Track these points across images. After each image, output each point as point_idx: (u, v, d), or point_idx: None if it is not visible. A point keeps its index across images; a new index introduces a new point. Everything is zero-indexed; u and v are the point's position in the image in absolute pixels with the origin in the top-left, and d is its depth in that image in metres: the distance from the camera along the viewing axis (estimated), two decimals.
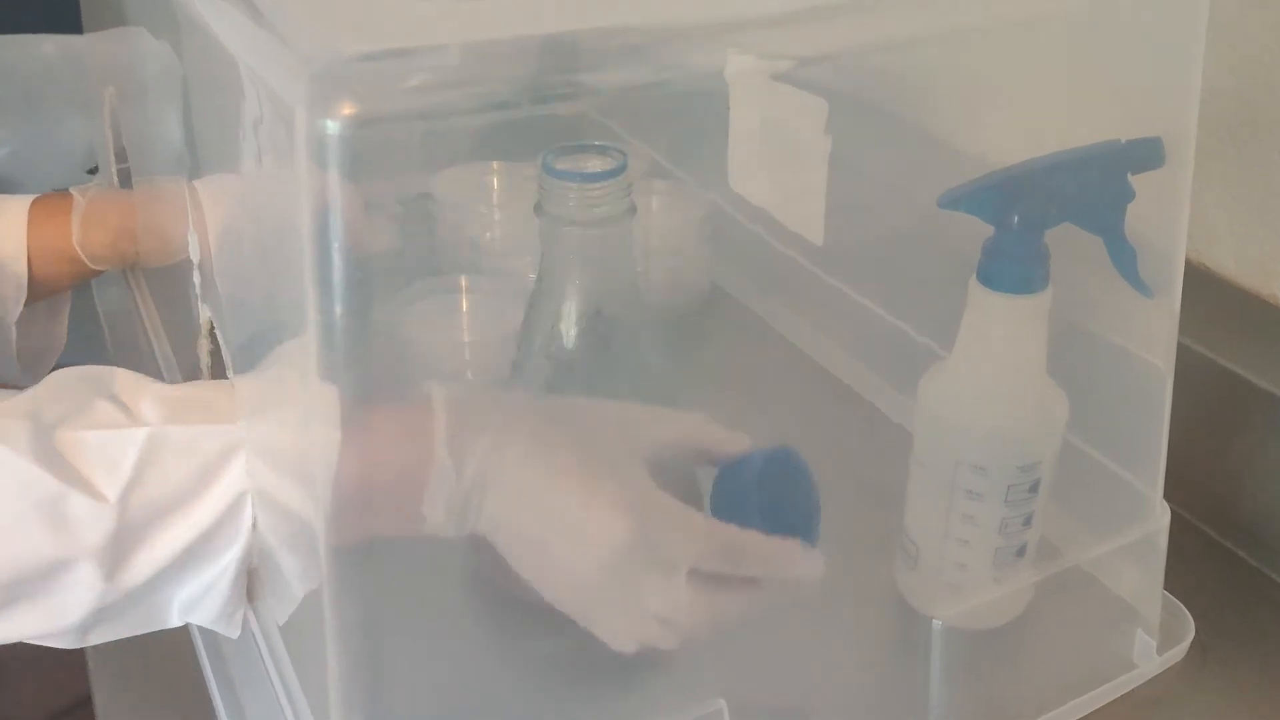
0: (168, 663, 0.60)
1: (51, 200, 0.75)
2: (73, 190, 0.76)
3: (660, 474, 0.50)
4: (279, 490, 0.46)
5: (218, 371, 0.61)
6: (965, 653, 0.54)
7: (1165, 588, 0.59)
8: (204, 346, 0.64)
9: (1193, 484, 0.65)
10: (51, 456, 0.45)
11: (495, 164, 0.89)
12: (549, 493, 0.48)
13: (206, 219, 0.56)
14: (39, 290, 0.74)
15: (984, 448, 0.55)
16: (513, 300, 0.70)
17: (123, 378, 0.50)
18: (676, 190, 0.88)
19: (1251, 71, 0.68)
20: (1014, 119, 0.59)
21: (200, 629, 0.58)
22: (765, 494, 0.51)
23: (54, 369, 0.52)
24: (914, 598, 0.60)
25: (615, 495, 0.49)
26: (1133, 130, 0.51)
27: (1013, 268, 0.52)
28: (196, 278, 0.61)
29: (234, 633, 0.50)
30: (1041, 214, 0.51)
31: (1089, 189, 0.51)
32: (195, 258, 0.60)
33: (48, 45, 0.97)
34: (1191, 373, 0.58)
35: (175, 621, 0.49)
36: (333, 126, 0.36)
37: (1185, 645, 0.59)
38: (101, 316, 0.87)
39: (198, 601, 0.49)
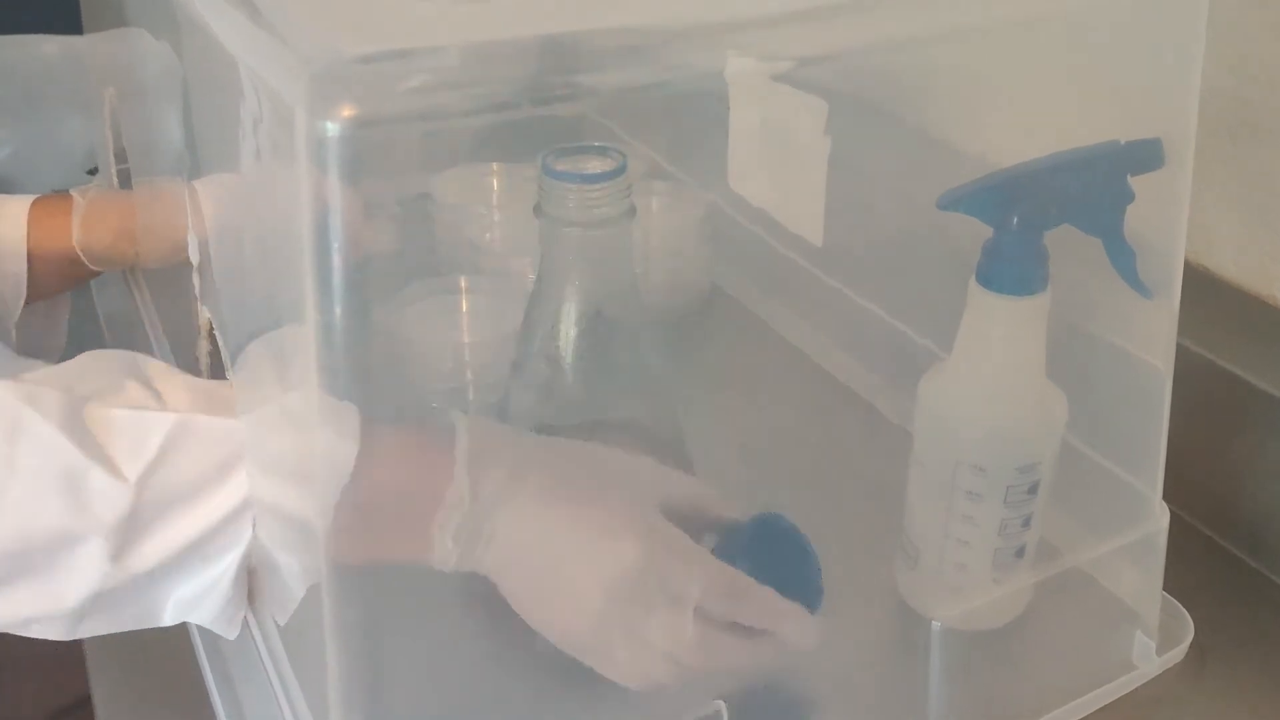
0: (167, 662, 0.60)
1: (51, 201, 0.75)
2: (73, 191, 0.76)
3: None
4: (277, 491, 0.46)
5: (217, 372, 0.61)
6: (965, 653, 0.54)
7: (1164, 589, 0.59)
8: (204, 347, 0.64)
9: (1192, 485, 0.65)
10: (79, 429, 0.45)
11: (495, 165, 0.90)
12: (561, 520, 0.49)
13: (206, 220, 0.56)
14: (39, 291, 0.74)
15: (983, 449, 0.55)
16: (513, 301, 0.70)
17: (154, 365, 0.50)
18: (676, 191, 0.88)
19: (1251, 71, 0.68)
20: (1014, 119, 0.59)
21: (200, 628, 0.58)
22: (754, 562, 0.51)
23: None
24: (913, 598, 0.60)
25: (627, 524, 0.49)
26: (1132, 131, 0.51)
27: (1012, 269, 0.52)
28: (196, 278, 0.61)
29: (232, 634, 0.50)
30: (1041, 215, 0.51)
31: (1088, 190, 0.51)
32: (195, 259, 0.60)
33: (48, 45, 0.97)
34: (1191, 373, 0.58)
35: (168, 620, 0.49)
36: (332, 127, 0.36)
37: (1184, 646, 0.59)
38: (101, 317, 0.87)
39: (198, 600, 0.48)
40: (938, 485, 0.56)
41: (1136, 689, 0.58)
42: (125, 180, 0.80)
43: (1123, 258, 0.52)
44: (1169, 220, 0.54)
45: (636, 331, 0.58)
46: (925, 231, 0.61)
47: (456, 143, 0.88)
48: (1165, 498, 0.58)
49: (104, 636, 0.61)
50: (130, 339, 0.81)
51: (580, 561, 0.49)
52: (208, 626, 0.50)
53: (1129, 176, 0.51)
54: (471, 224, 0.84)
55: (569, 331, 0.56)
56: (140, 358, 0.51)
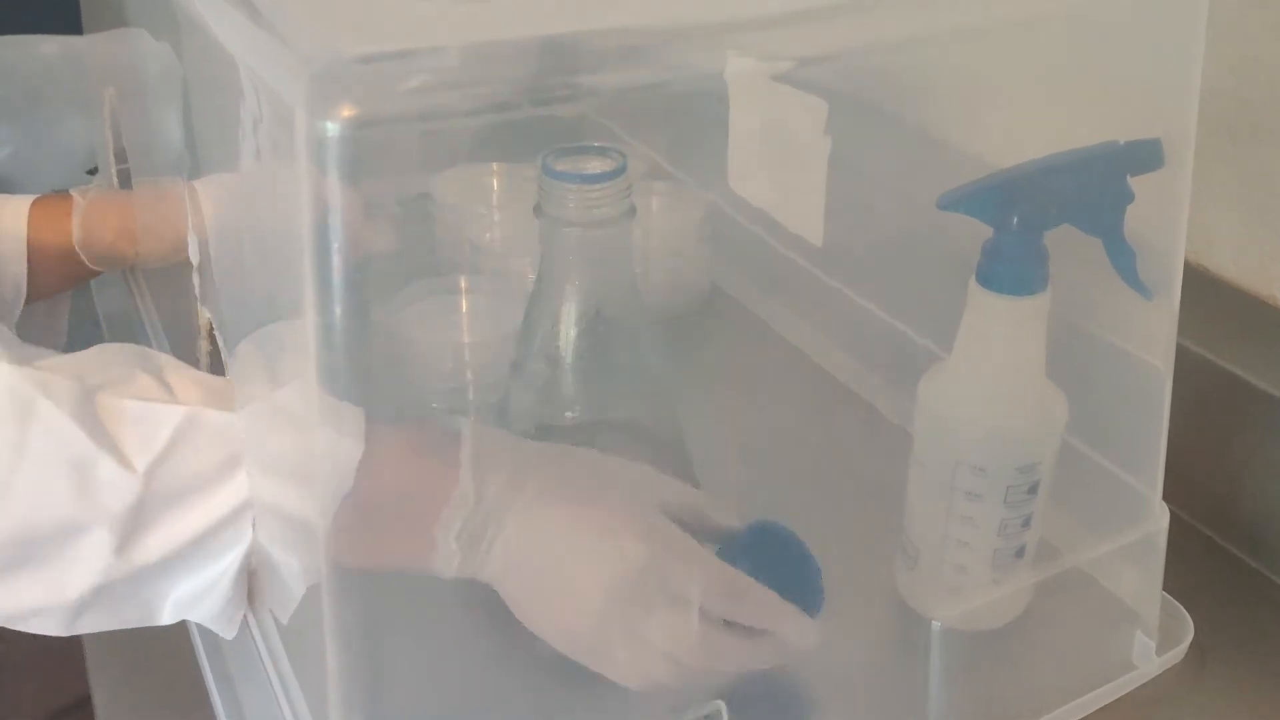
0: (167, 662, 0.60)
1: (51, 201, 0.75)
2: (73, 191, 0.76)
3: None
4: (277, 491, 0.46)
5: (217, 372, 0.61)
6: (964, 654, 0.54)
7: (1164, 589, 0.59)
8: (204, 347, 0.64)
9: (1192, 485, 0.65)
10: (90, 418, 0.45)
11: (495, 165, 0.90)
12: (562, 522, 0.49)
13: (206, 220, 0.56)
14: (38, 291, 0.74)
15: (983, 449, 0.55)
16: (513, 301, 0.70)
17: (165, 359, 0.51)
18: (676, 191, 0.88)
19: (1251, 71, 0.68)
20: (1014, 119, 0.59)
21: (200, 628, 0.58)
22: (754, 567, 0.52)
23: None
24: (913, 599, 0.60)
25: (628, 523, 0.49)
26: (1132, 131, 0.51)
27: (1012, 269, 0.52)
28: (196, 278, 0.61)
29: (230, 633, 0.50)
30: (1041, 215, 0.51)
31: (1088, 190, 0.51)
32: (195, 259, 0.60)
33: (48, 45, 0.97)
34: (1191, 374, 0.58)
35: (167, 618, 0.49)
36: (332, 128, 0.36)
37: (1184, 646, 0.59)
38: (101, 317, 0.87)
39: (199, 598, 0.48)
40: (937, 485, 0.56)
41: (1136, 689, 0.58)
42: (125, 180, 0.80)
43: (1123, 258, 0.52)
44: (1169, 220, 0.54)
45: (636, 331, 0.58)
46: (925, 231, 0.61)
47: (456, 143, 0.88)
48: (1165, 498, 0.58)
49: (104, 636, 0.61)
50: (130, 339, 0.80)
51: (581, 562, 0.49)
52: (207, 625, 0.50)
53: (1129, 176, 0.51)
54: (471, 224, 0.84)
55: (569, 331, 0.56)
56: (151, 352, 0.51)
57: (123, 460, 0.45)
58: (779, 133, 0.46)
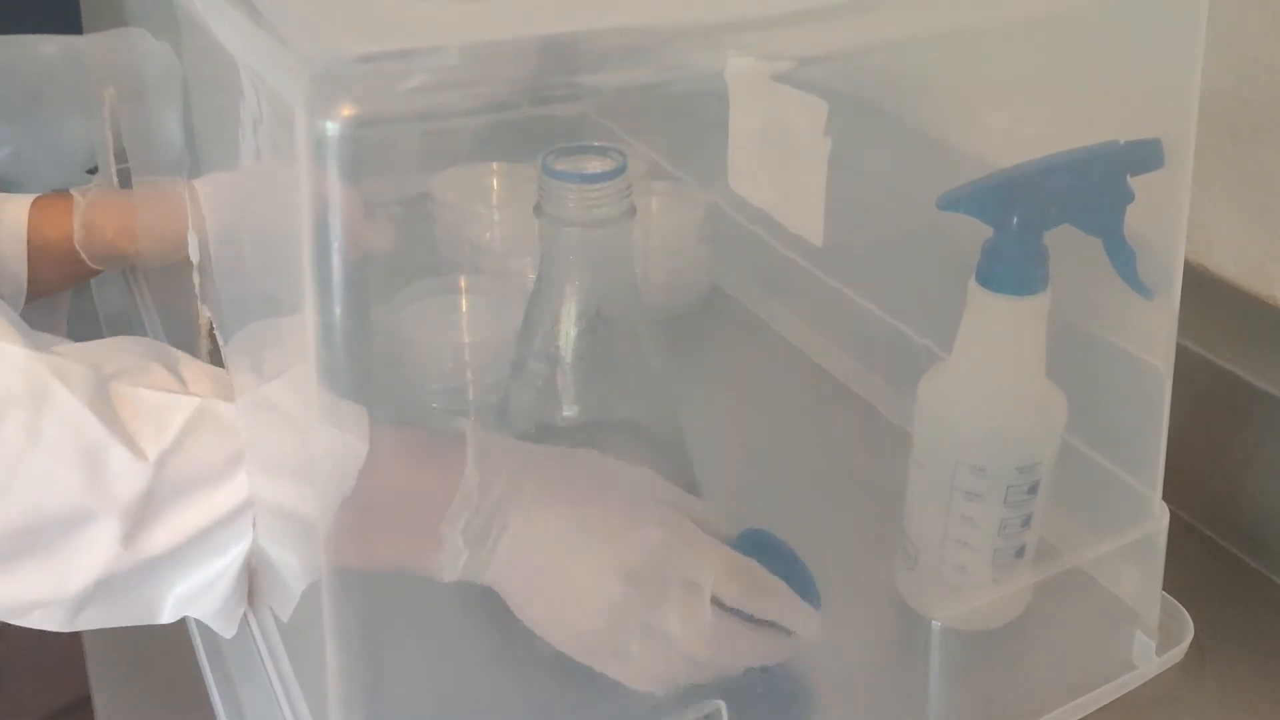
0: (167, 662, 0.60)
1: (51, 200, 0.75)
2: (73, 190, 0.76)
3: None
4: (276, 489, 0.46)
5: None
6: (964, 653, 0.54)
7: (1164, 588, 0.59)
8: (204, 347, 0.64)
9: (1192, 485, 0.65)
10: (104, 406, 0.46)
11: (495, 164, 0.90)
12: (568, 518, 0.49)
13: (206, 219, 0.56)
14: (39, 289, 0.74)
15: (983, 449, 0.55)
16: (512, 300, 0.70)
17: (179, 353, 0.51)
18: (676, 191, 0.88)
19: (1251, 71, 0.68)
20: (1014, 119, 0.59)
21: (200, 628, 0.58)
22: None
23: None
24: (913, 599, 0.60)
25: (634, 511, 0.49)
26: (1132, 131, 0.51)
27: (1012, 269, 0.52)
28: (196, 278, 0.61)
29: (229, 631, 0.50)
30: (1041, 215, 0.51)
31: (1088, 190, 0.51)
32: (195, 258, 0.60)
33: (48, 45, 0.97)
34: (1191, 374, 0.58)
35: (167, 616, 0.49)
36: (332, 127, 0.36)
37: (1184, 646, 0.59)
38: (101, 316, 0.87)
39: (200, 594, 0.48)
40: (937, 485, 0.56)
41: (1136, 689, 0.58)
42: (125, 180, 0.80)
43: (1123, 258, 0.52)
44: (1169, 220, 0.54)
45: (636, 331, 0.58)
46: (925, 231, 0.61)
47: (456, 143, 0.88)
48: (1165, 498, 0.58)
49: (105, 636, 0.61)
50: None
51: (589, 552, 0.49)
52: (207, 622, 0.50)
53: (1129, 176, 0.51)
54: (471, 224, 0.84)
55: (569, 331, 0.56)
56: (165, 346, 0.51)
57: (135, 449, 0.45)
58: (779, 133, 0.46)
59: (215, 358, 0.63)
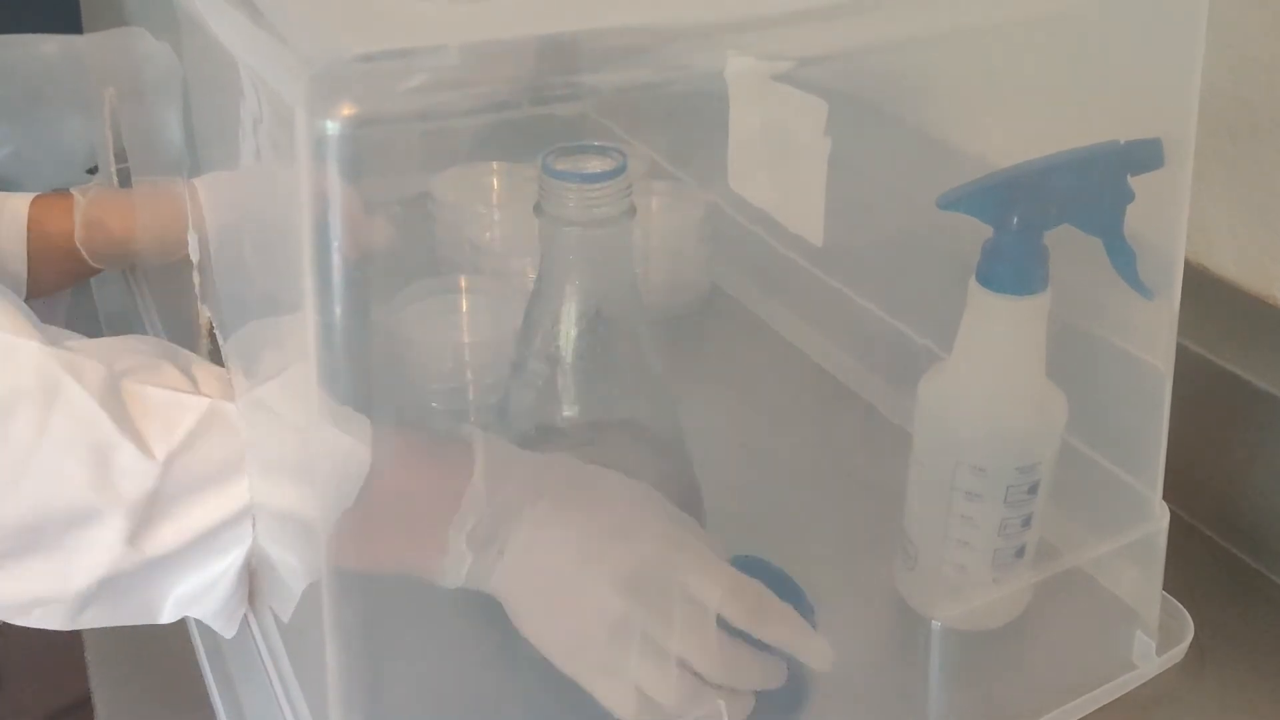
0: (167, 662, 0.60)
1: (51, 199, 0.75)
2: (74, 190, 0.76)
3: None
4: (276, 491, 0.46)
5: None
6: (964, 653, 0.54)
7: (1164, 588, 0.59)
8: (204, 346, 0.64)
9: (1192, 485, 0.65)
10: (115, 403, 0.46)
11: (495, 164, 0.90)
12: (573, 530, 0.49)
13: (206, 219, 0.56)
14: (38, 288, 0.74)
15: (983, 449, 0.55)
16: (512, 300, 0.70)
17: (188, 353, 0.51)
18: (676, 191, 0.88)
19: (1251, 71, 0.68)
20: (1014, 119, 0.59)
21: (200, 628, 0.58)
22: None
23: None
24: (913, 598, 0.60)
25: (640, 525, 0.49)
26: (1132, 131, 0.51)
27: (1012, 269, 0.52)
28: (196, 278, 0.61)
29: (230, 632, 0.50)
30: (1041, 215, 0.51)
31: (1088, 190, 0.51)
32: (195, 258, 0.60)
33: (48, 45, 0.97)
34: (1191, 374, 0.58)
35: (167, 616, 0.49)
36: (332, 127, 0.36)
37: (1184, 646, 0.59)
38: (101, 316, 0.87)
39: (201, 595, 0.48)
40: (937, 485, 0.56)
41: (1136, 689, 0.58)
42: (125, 179, 0.80)
43: (1123, 258, 0.52)
44: (1169, 220, 0.54)
45: (636, 331, 0.58)
46: (925, 231, 0.61)
47: (456, 143, 0.88)
48: (1165, 498, 0.58)
49: (105, 636, 0.61)
50: None
51: (592, 566, 0.48)
52: (207, 623, 0.50)
53: (1129, 176, 0.51)
54: (471, 224, 0.84)
55: (569, 331, 0.56)
56: (176, 346, 0.51)
57: (143, 447, 0.45)
58: (779, 133, 0.46)
59: (215, 357, 0.63)
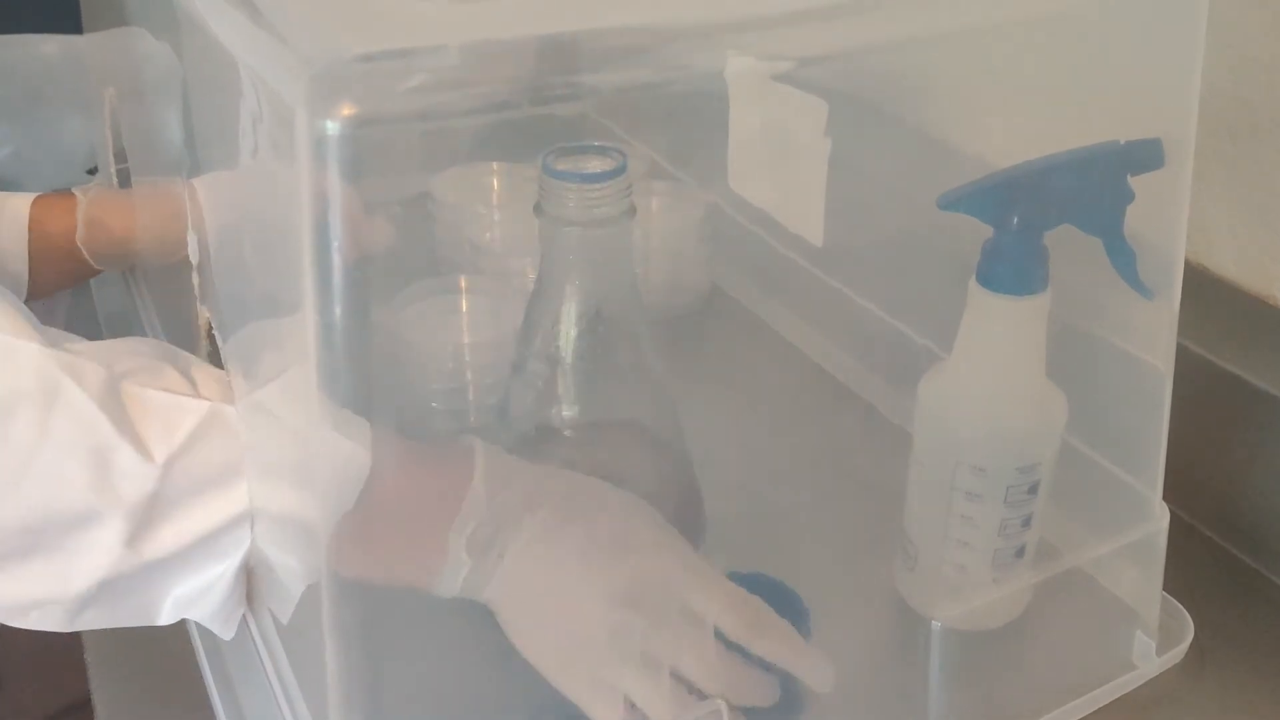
0: (167, 662, 0.60)
1: (52, 199, 0.75)
2: (75, 190, 0.76)
3: None
4: (276, 494, 0.46)
5: None
6: (964, 654, 0.54)
7: (1164, 589, 0.59)
8: (203, 347, 0.64)
9: (1192, 485, 0.65)
10: (115, 406, 0.45)
11: (495, 164, 0.90)
12: (575, 544, 0.49)
13: (206, 219, 0.56)
14: (39, 288, 0.74)
15: (983, 449, 0.55)
16: (512, 300, 0.70)
17: (189, 356, 0.51)
18: (676, 191, 0.88)
19: (1251, 71, 0.68)
20: (1014, 119, 0.59)
21: (200, 629, 0.58)
22: None
23: None
24: (913, 599, 0.60)
25: (638, 535, 0.49)
26: (1132, 131, 0.51)
27: (1012, 269, 0.52)
28: (196, 278, 0.61)
29: (228, 633, 0.50)
30: (1041, 215, 0.51)
31: (1088, 190, 0.51)
32: (194, 258, 0.60)
33: (48, 45, 0.97)
34: (1191, 374, 0.58)
35: (165, 618, 0.49)
36: (333, 127, 0.36)
37: (1184, 646, 0.59)
38: (101, 317, 0.87)
39: (199, 597, 0.48)
40: (937, 485, 0.56)
41: (1136, 689, 0.58)
42: (125, 180, 0.80)
43: (1123, 258, 0.52)
44: (1169, 220, 0.54)
45: (636, 332, 0.58)
46: (925, 231, 0.61)
47: (456, 143, 0.88)
48: (1165, 498, 0.58)
49: (105, 636, 0.61)
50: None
51: (589, 577, 0.48)
52: (205, 624, 0.50)
53: (1129, 176, 0.51)
54: (471, 224, 0.84)
55: (569, 331, 0.56)
56: (177, 349, 0.51)
57: (143, 450, 0.45)
58: (779, 133, 0.46)
59: (215, 358, 0.63)
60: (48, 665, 0.83)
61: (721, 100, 0.43)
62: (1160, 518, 0.57)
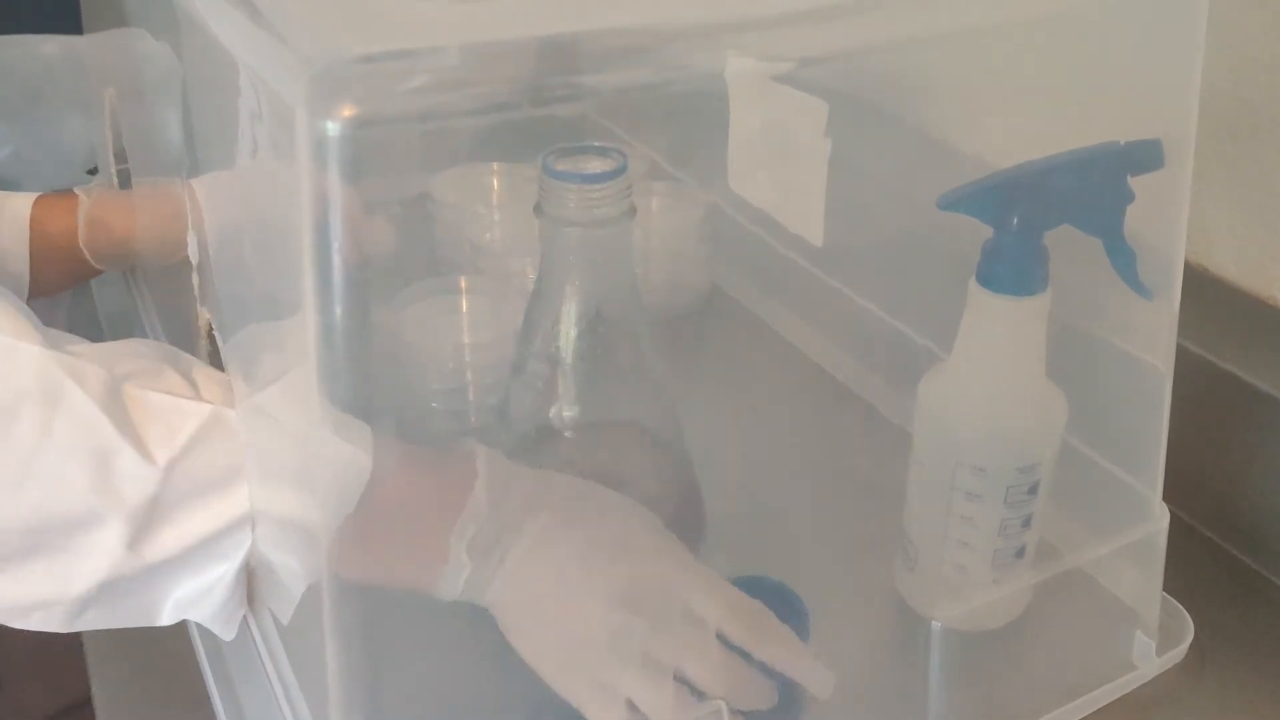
0: (168, 662, 0.60)
1: (53, 199, 0.75)
2: (77, 190, 0.76)
3: None
4: (276, 495, 0.46)
5: None
6: (964, 654, 0.54)
7: (1164, 589, 0.59)
8: (203, 348, 0.64)
9: (1192, 485, 0.65)
10: (117, 408, 0.45)
11: (495, 165, 0.90)
12: (576, 549, 0.49)
13: (206, 220, 0.56)
14: (39, 289, 0.74)
15: (983, 449, 0.55)
16: (512, 301, 0.70)
17: (192, 359, 0.51)
18: (676, 191, 0.88)
19: (1251, 71, 0.68)
20: (1014, 119, 0.59)
21: (200, 630, 0.58)
22: None
23: None
24: (913, 599, 0.60)
25: (637, 539, 0.49)
26: (1132, 131, 0.51)
27: (1012, 269, 0.52)
28: (196, 279, 0.61)
29: (229, 634, 0.50)
30: (1041, 216, 0.51)
31: (1088, 191, 0.51)
32: (195, 259, 0.60)
33: (48, 45, 0.97)
34: (1191, 374, 0.58)
35: (165, 619, 0.49)
36: (333, 127, 0.36)
37: (1184, 646, 0.59)
38: (101, 317, 0.87)
39: (199, 598, 0.48)
40: (937, 485, 0.56)
41: (1136, 689, 0.58)
42: (125, 180, 0.80)
43: (1123, 258, 0.52)
44: (1169, 220, 0.54)
45: (637, 332, 0.58)
46: (925, 231, 0.61)
47: (456, 143, 0.88)
48: (1165, 498, 0.58)
49: (105, 636, 0.61)
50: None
51: (590, 582, 0.48)
52: (206, 625, 0.50)
53: (1129, 177, 0.51)
54: (471, 224, 0.84)
55: (569, 331, 0.56)
56: (179, 351, 0.51)
57: (145, 453, 0.45)
58: (779, 133, 0.46)
59: (215, 359, 0.63)
60: (48, 665, 0.83)
61: (721, 100, 0.43)
62: (1160, 518, 0.57)
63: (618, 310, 0.57)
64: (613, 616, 0.48)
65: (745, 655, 0.49)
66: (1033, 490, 0.56)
